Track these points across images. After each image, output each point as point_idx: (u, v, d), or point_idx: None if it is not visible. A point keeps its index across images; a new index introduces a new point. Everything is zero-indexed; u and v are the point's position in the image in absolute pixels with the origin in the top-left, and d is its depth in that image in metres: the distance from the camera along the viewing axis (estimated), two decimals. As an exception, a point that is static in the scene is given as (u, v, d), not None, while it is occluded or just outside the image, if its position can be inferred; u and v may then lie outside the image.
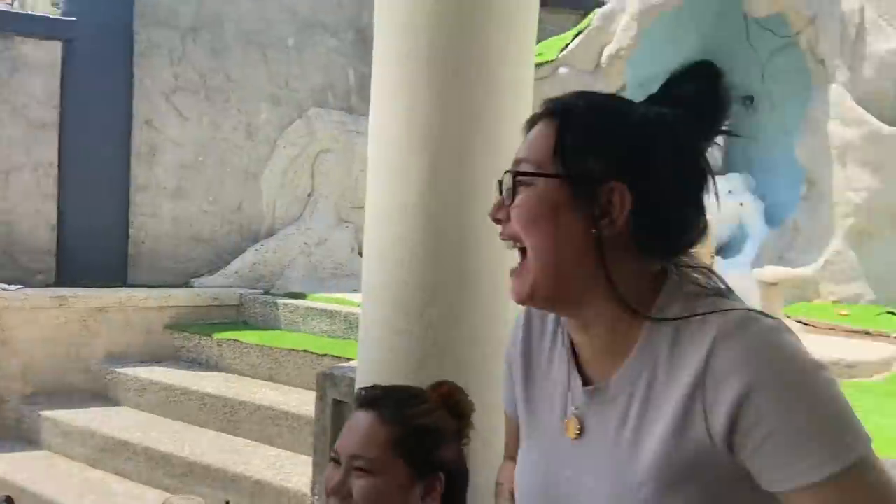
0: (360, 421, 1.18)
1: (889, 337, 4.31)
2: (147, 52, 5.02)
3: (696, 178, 0.83)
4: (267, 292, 5.09)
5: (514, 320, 1.01)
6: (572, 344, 0.88)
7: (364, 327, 1.87)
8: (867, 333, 4.43)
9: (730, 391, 0.72)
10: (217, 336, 4.45)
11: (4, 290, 4.29)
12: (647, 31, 6.04)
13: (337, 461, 1.16)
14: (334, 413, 2.51)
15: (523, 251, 0.83)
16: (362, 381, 1.77)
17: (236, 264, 5.24)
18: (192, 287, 5.04)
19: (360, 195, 5.66)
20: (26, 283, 4.58)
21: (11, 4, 5.27)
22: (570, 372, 0.87)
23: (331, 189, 5.70)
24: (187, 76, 5.18)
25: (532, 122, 0.87)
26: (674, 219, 0.81)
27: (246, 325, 4.81)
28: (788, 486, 0.72)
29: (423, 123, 1.73)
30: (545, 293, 0.82)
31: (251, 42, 5.42)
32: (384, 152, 1.84)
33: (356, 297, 4.78)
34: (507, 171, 0.84)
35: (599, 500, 0.81)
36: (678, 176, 0.81)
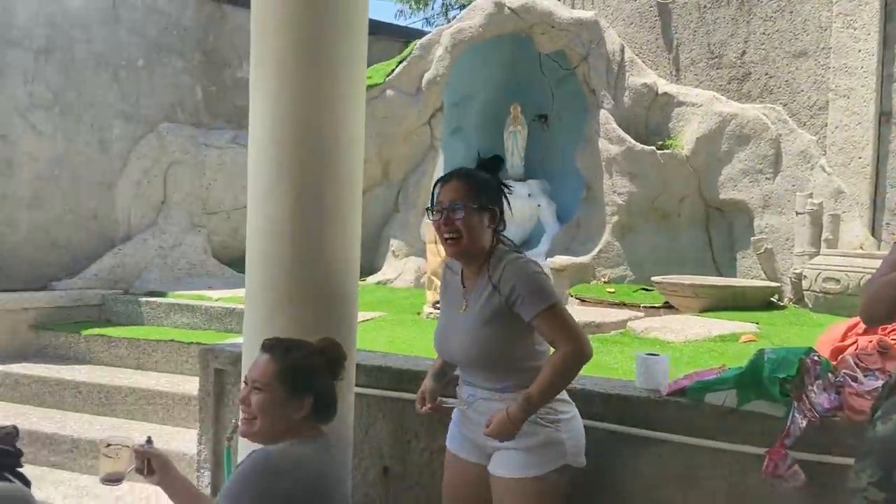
0: (260, 358, 1.90)
1: (638, 307, 5.72)
2: (2, 72, 5.33)
3: (501, 202, 1.98)
4: (126, 292, 5.60)
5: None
6: (462, 272, 2.02)
7: (249, 308, 2.56)
8: (623, 304, 5.83)
9: (509, 283, 1.87)
10: (84, 333, 4.93)
11: None
12: (458, 60, 7.17)
13: (245, 383, 1.92)
14: (216, 379, 3.26)
15: (457, 239, 1.89)
16: (247, 349, 2.42)
17: (95, 267, 5.69)
18: (52, 290, 5.43)
19: (212, 202, 6.33)
20: None
21: None
22: (463, 284, 2.02)
23: (183, 197, 6.27)
24: (42, 94, 5.54)
25: (445, 180, 1.94)
26: (500, 220, 1.97)
27: (109, 322, 5.31)
28: (531, 315, 1.83)
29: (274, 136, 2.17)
30: (469, 251, 1.93)
31: (102, 63, 5.87)
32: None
33: (212, 294, 5.47)
34: (458, 203, 1.88)
35: (465, 335, 1.93)
36: (499, 202, 1.97)
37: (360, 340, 2.50)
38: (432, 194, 1.96)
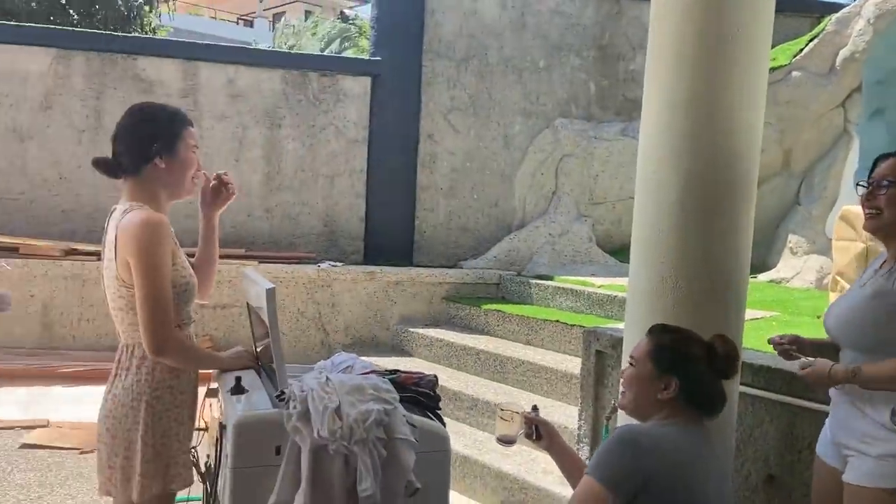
0: (642, 339, 2.02)
1: None
2: (431, 81, 6.31)
3: None
4: (519, 274, 6.16)
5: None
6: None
7: (631, 294, 2.64)
8: None
9: None
10: (484, 307, 5.57)
11: (333, 266, 5.78)
12: (883, 33, 6.17)
13: (631, 364, 2.01)
14: (597, 360, 3.42)
15: (875, 216, 1.82)
16: (628, 334, 2.50)
17: (494, 250, 6.39)
18: (461, 268, 6.26)
19: (598, 193, 6.57)
20: (344, 262, 6.09)
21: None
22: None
23: (572, 188, 6.64)
24: (460, 97, 6.40)
25: (886, 156, 1.86)
26: None
27: (504, 299, 5.91)
28: None
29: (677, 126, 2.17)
30: (884, 229, 1.85)
31: (509, 66, 6.52)
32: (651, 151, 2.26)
33: (595, 280, 5.70)
34: (885, 180, 1.81)
35: (847, 309, 1.94)
36: None
37: (746, 338, 2.39)
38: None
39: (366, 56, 6.34)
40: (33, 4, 12.54)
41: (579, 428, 3.51)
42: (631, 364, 1.92)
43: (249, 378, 2.21)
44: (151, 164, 2.01)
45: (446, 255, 6.44)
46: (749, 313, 2.62)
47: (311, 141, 6.10)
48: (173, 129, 2.07)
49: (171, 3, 16.88)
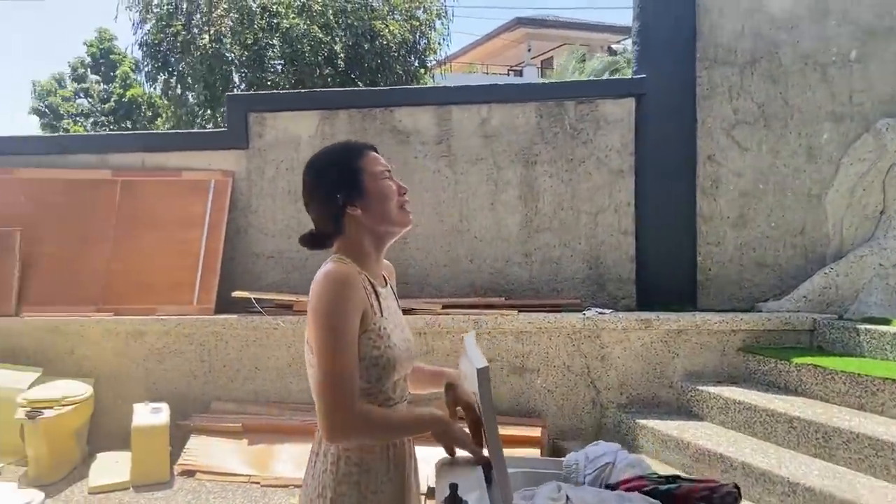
0: None
1: None
2: (708, 94, 5.41)
3: None
4: (841, 317, 4.88)
5: None
6: None
7: None
8: None
9: None
10: (795, 360, 4.45)
11: (601, 313, 5.10)
12: None
13: None
14: None
15: None
16: None
17: (804, 289, 5.17)
18: (759, 311, 5.15)
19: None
20: (614, 308, 5.38)
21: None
22: None
23: (907, 204, 5.17)
24: (746, 108, 5.39)
25: None
26: None
27: (822, 350, 4.70)
28: None
29: None
30: None
31: (809, 63, 5.35)
32: None
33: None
34: None
35: None
36: None
37: None
38: None
39: (627, 75, 5.65)
40: (329, 80, 14.02)
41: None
42: None
43: (472, 480, 1.66)
44: (346, 217, 1.67)
45: (739, 297, 5.39)
46: None
47: (570, 176, 5.55)
48: (349, 166, 1.69)
49: (444, 65, 17.88)
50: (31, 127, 24.20)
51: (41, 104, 24.14)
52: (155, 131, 18.25)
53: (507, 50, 32.66)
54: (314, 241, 1.75)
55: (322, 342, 1.48)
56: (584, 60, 20.44)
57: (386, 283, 1.80)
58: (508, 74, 32.68)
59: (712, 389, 4.60)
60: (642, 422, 4.62)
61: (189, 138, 6.14)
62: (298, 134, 5.59)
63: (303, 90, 6.45)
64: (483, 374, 1.46)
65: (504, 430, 4.66)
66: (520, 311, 5.10)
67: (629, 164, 5.52)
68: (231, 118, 5.62)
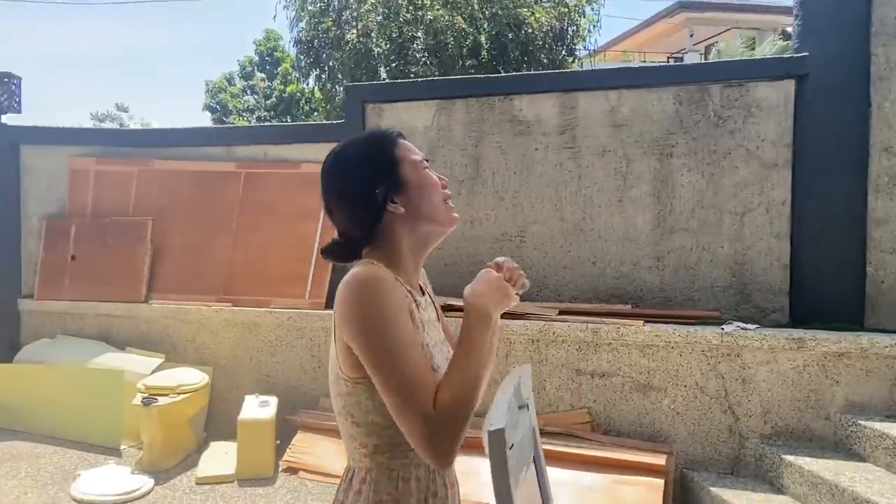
0: None
1: None
2: (885, 74, 4.53)
3: None
4: None
5: None
6: None
7: None
8: None
9: None
10: None
11: (743, 328, 4.43)
12: None
13: None
14: None
15: None
16: None
17: None
18: (947, 336, 4.24)
19: None
20: (760, 323, 4.67)
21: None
22: None
23: None
24: (937, 89, 4.46)
25: None
26: None
27: None
28: None
29: None
30: None
31: None
32: None
33: None
34: None
35: None
36: None
37: None
38: None
39: (788, 53, 4.88)
40: (472, 72, 13.81)
41: None
42: None
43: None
44: (386, 215, 1.40)
45: (922, 316, 4.49)
46: None
47: (711, 170, 4.89)
48: (386, 156, 1.42)
49: (596, 54, 17.04)
50: (205, 122, 26.15)
51: (212, 101, 26.04)
52: (276, 123, 18.97)
53: (668, 36, 30.92)
54: (343, 250, 1.46)
55: (371, 351, 1.20)
56: (754, 46, 18.70)
57: (423, 293, 1.50)
58: (668, 62, 30.95)
59: (879, 426, 3.83)
60: (789, 458, 3.95)
61: (308, 130, 6.11)
62: (414, 125, 5.36)
63: (419, 79, 6.23)
64: (495, 437, 1.08)
65: (622, 455, 4.16)
66: (646, 322, 4.55)
67: (785, 157, 4.77)
68: (348, 109, 5.50)
